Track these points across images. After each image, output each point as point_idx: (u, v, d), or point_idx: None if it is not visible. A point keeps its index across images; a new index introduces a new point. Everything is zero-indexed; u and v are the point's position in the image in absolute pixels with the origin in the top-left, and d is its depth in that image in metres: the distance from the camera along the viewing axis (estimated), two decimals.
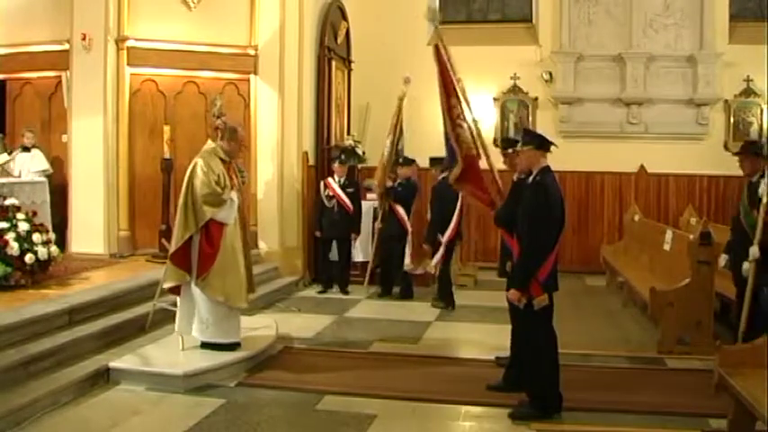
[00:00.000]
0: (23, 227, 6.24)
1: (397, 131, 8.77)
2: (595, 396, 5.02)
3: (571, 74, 10.81)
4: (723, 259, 5.85)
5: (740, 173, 6.02)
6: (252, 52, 8.89)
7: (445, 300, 8.12)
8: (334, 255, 8.80)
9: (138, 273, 7.20)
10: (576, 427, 4.49)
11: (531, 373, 4.69)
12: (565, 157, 10.04)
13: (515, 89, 11.23)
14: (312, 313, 7.73)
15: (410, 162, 8.79)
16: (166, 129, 8.15)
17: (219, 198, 5.50)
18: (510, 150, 5.59)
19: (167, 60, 8.52)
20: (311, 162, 9.38)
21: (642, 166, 10.92)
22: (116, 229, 8.34)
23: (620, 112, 10.88)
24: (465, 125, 5.72)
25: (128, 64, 8.37)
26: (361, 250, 9.03)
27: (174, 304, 5.78)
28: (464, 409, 4.83)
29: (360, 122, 10.96)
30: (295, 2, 8.96)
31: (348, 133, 10.52)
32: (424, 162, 9.23)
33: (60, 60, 8.35)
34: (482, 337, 6.78)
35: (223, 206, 5.52)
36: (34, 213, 6.58)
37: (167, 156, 8.07)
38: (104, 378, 5.15)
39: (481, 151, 5.74)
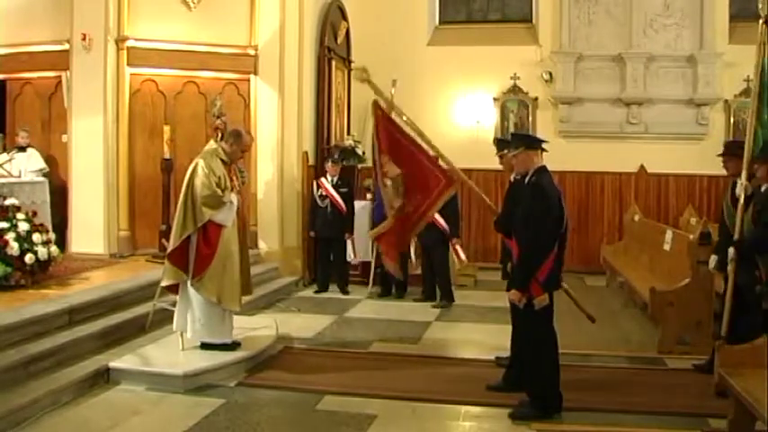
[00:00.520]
0: (23, 227, 6.23)
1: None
2: (595, 396, 5.02)
3: (571, 74, 10.81)
4: (713, 260, 5.83)
5: None
6: (252, 52, 8.89)
7: (446, 297, 8.16)
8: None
9: (138, 273, 7.20)
10: (576, 427, 4.49)
11: (531, 373, 4.69)
12: (565, 157, 10.16)
13: (515, 89, 11.22)
14: (312, 313, 7.73)
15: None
16: (166, 129, 8.15)
17: (219, 200, 5.50)
18: (505, 151, 5.61)
19: (167, 60, 8.52)
20: (311, 162, 9.38)
21: (642, 166, 10.92)
22: (116, 229, 8.34)
23: (620, 112, 10.87)
24: (389, 183, 5.57)
25: (128, 64, 8.37)
26: (361, 250, 8.99)
27: (174, 304, 5.78)
28: (464, 409, 4.83)
29: (360, 122, 10.96)
30: (295, 2, 8.96)
31: (348, 133, 10.53)
32: None
33: (60, 60, 8.35)
34: (482, 337, 6.78)
35: (222, 208, 5.52)
36: (34, 213, 6.57)
37: (167, 156, 8.07)
38: (104, 378, 5.15)
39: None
